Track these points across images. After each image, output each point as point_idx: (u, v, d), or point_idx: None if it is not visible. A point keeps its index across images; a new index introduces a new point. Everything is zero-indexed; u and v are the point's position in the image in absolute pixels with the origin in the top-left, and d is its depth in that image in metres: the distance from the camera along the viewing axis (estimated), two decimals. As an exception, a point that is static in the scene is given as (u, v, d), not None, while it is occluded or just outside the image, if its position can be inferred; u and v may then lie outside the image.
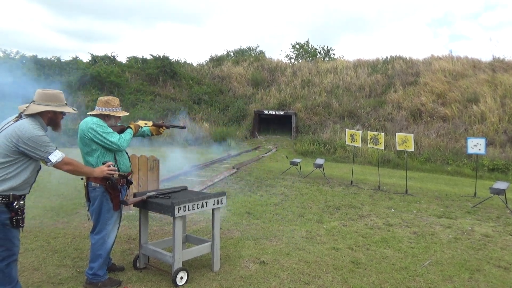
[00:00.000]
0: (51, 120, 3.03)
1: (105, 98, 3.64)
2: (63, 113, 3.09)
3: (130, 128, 3.82)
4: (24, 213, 2.87)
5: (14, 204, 2.77)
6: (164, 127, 4.18)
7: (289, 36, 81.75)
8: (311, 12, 77.96)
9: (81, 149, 3.53)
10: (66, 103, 3.10)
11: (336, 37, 72.75)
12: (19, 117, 2.88)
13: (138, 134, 3.96)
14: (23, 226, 2.87)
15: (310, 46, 35.83)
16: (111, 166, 3.40)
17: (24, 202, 2.88)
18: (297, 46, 35.97)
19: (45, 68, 24.95)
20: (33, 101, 2.95)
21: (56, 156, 2.87)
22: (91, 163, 3.46)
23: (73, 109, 3.14)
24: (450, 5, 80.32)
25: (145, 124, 4.04)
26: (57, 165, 2.90)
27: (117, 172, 3.46)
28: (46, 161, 2.85)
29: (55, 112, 3.01)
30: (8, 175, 2.75)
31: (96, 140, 3.43)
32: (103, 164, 3.40)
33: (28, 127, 2.79)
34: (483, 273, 4.21)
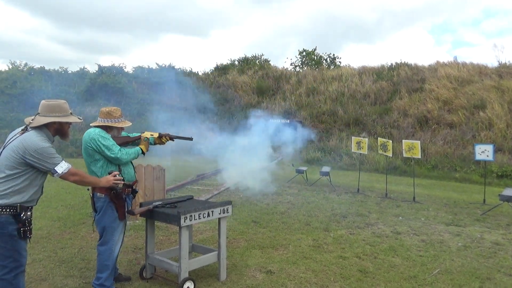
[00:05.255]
0: (57, 130, 3.04)
1: (107, 109, 3.65)
2: (69, 123, 3.10)
3: (141, 148, 3.82)
4: (31, 224, 2.88)
5: (22, 215, 2.78)
6: (167, 137, 4.11)
7: (293, 44, 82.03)
8: (314, 21, 78.24)
9: (85, 159, 3.57)
10: (71, 113, 3.10)
11: (339, 45, 72.88)
12: (26, 129, 2.89)
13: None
14: (30, 237, 2.88)
15: (315, 54, 35.90)
16: (117, 175, 3.42)
17: (31, 213, 2.89)
18: (304, 53, 36.02)
19: (53, 79, 25.30)
20: (38, 113, 2.95)
21: (62, 167, 2.88)
22: (95, 173, 3.49)
23: (78, 118, 3.14)
24: (448, 13, 79.93)
25: (151, 135, 4.05)
26: (63, 176, 2.91)
27: (122, 182, 3.48)
28: (53, 172, 2.85)
29: (60, 123, 3.02)
30: (15, 186, 2.76)
31: (98, 150, 3.48)
32: (109, 173, 3.43)
33: (35, 139, 2.81)
34: (494, 281, 4.14)
